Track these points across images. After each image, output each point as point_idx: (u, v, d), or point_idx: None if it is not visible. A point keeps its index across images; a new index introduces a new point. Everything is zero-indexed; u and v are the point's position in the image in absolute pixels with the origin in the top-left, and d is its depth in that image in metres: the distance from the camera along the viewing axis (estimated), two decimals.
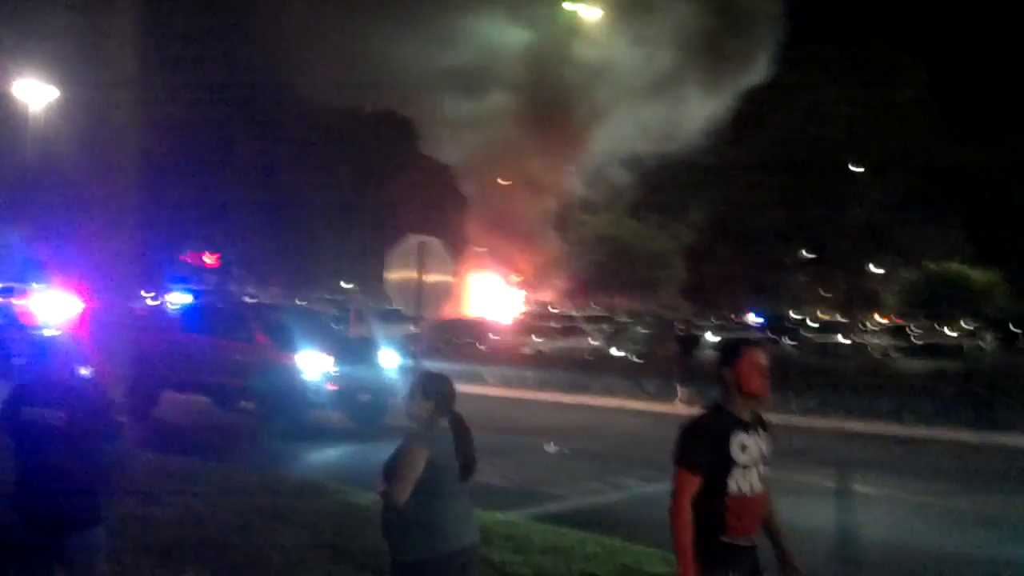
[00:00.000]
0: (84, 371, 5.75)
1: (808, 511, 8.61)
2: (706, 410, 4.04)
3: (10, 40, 26.89)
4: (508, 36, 46.59)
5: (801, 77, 49.88)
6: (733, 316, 46.07)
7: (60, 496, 4.78)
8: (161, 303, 22.31)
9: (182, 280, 34.05)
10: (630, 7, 46.15)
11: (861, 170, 52.56)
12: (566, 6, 47.56)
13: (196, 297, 22.69)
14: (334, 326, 19.15)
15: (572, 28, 47.54)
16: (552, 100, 45.21)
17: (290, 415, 14.30)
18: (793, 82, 49.91)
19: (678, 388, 20.07)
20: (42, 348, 5.09)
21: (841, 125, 50.18)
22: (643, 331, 34.29)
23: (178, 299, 22.96)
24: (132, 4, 8.43)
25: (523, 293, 51.50)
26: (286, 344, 15.03)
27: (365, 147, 52.11)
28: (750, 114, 50.48)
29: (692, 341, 21.04)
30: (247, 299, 24.81)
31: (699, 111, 45.12)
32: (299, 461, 12.57)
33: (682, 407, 19.55)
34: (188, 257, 41.17)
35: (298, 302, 36.31)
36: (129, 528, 5.78)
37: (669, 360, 21.33)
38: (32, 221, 34.05)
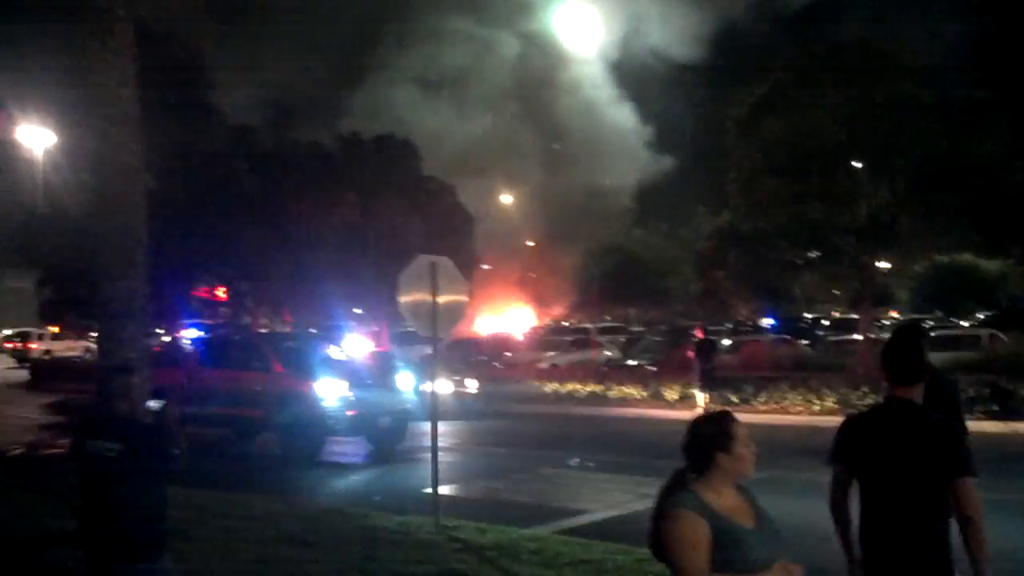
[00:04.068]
0: (153, 404, 5.79)
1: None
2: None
3: (4, 85, 26.97)
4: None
5: (796, 76, 50.05)
6: (747, 320, 45.83)
7: (120, 528, 4.82)
8: (176, 338, 22.36)
9: (196, 315, 34.15)
10: None
11: (860, 166, 52.48)
12: None
13: (210, 331, 22.79)
14: (345, 351, 19.16)
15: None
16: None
17: (311, 443, 14.32)
18: (789, 82, 49.87)
19: (698, 395, 19.98)
20: (106, 381, 5.17)
21: (839, 123, 50.09)
22: (657, 340, 34.21)
23: (192, 334, 23.00)
24: (126, 45, 8.55)
25: (535, 309, 51.56)
26: (303, 372, 15.07)
27: (367, 172, 52.39)
28: (749, 118, 50.41)
29: (710, 347, 20.95)
30: (261, 330, 24.96)
31: None
32: (322, 487, 12.58)
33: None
34: (200, 292, 41.30)
35: (311, 330, 36.39)
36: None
37: (685, 367, 21.26)
38: (44, 266, 34.18)
